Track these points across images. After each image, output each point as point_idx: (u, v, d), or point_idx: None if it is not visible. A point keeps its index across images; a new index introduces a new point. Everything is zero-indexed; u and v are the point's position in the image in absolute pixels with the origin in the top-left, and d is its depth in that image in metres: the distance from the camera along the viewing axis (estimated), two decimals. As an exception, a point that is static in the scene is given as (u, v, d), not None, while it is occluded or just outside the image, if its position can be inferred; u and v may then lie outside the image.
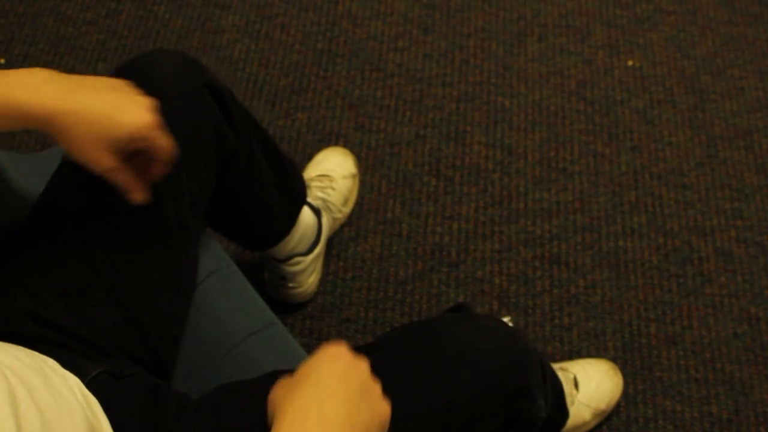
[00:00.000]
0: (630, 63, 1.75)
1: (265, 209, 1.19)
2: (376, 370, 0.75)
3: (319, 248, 1.41)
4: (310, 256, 1.38)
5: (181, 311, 0.97)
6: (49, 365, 0.76)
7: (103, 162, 0.78)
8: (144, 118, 0.77)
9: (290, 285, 1.40)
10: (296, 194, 1.28)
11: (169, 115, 0.86)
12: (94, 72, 1.72)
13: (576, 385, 1.30)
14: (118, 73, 0.93)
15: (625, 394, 1.36)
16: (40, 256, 0.88)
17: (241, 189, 1.09)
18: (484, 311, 1.45)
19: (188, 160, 0.93)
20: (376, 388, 0.72)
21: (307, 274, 1.40)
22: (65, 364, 0.78)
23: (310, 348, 1.40)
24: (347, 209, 1.50)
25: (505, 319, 0.88)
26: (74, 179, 0.90)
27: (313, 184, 1.46)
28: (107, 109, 0.76)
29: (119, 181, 0.81)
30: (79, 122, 0.75)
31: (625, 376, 1.37)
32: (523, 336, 0.97)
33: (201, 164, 0.97)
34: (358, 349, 0.88)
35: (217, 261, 1.05)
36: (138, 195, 0.83)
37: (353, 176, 1.52)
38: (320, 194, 1.44)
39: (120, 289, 0.88)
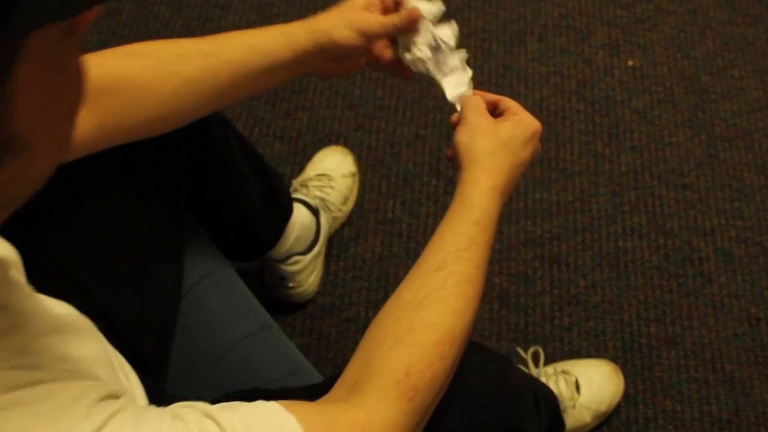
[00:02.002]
0: (630, 63, 1.75)
1: (249, 221, 1.18)
2: None
3: (319, 247, 1.40)
4: (309, 255, 1.38)
5: (165, 314, 0.96)
6: None
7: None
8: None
9: (290, 285, 1.40)
10: (282, 207, 1.28)
11: None
12: (94, 72, 1.71)
13: (577, 388, 1.30)
14: None
15: (625, 395, 1.36)
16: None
17: (223, 201, 1.09)
18: (484, 311, 1.45)
19: (159, 166, 0.93)
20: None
21: (307, 273, 1.40)
22: None
23: (310, 348, 1.41)
24: (347, 208, 1.50)
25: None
26: (50, 188, 0.90)
27: (312, 183, 1.46)
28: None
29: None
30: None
31: (625, 376, 1.37)
32: (513, 369, 0.94)
33: (173, 169, 0.96)
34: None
35: (211, 264, 1.05)
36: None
37: (353, 175, 1.52)
38: (319, 194, 1.44)
39: (93, 293, 0.87)
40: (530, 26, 1.79)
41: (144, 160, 0.90)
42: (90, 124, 0.80)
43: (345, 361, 1.47)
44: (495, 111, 0.89)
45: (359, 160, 1.58)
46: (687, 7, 1.83)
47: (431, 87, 1.72)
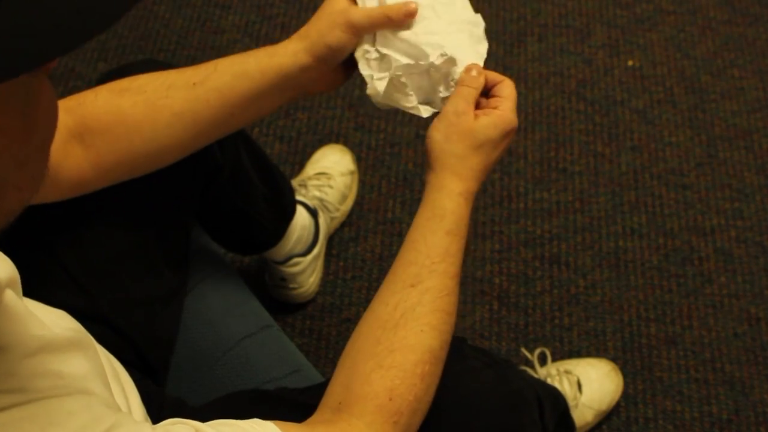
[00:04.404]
0: (630, 63, 1.75)
1: (250, 221, 1.19)
2: None
3: (318, 248, 1.40)
4: (309, 257, 1.38)
5: (169, 317, 0.96)
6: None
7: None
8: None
9: (291, 286, 1.40)
10: (285, 209, 1.28)
11: None
12: (94, 71, 1.72)
13: (579, 387, 1.30)
14: (103, 78, 0.93)
15: (625, 394, 1.36)
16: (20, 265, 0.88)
17: (225, 201, 1.09)
18: (484, 311, 1.45)
19: (170, 175, 0.93)
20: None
21: (307, 274, 1.40)
22: None
23: (310, 348, 1.41)
24: (346, 207, 1.50)
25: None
26: (63, 201, 0.90)
27: (311, 183, 1.46)
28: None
29: None
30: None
31: (625, 376, 1.37)
32: (515, 374, 0.93)
33: (184, 178, 0.96)
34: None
35: (212, 264, 1.05)
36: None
37: (351, 173, 1.53)
38: (317, 194, 1.44)
39: (102, 302, 0.88)
40: (530, 26, 1.79)
41: (156, 171, 0.90)
42: (87, 163, 0.80)
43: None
44: (488, 93, 0.85)
45: (359, 160, 1.58)
46: (687, 7, 1.83)
47: (431, 87, 1.72)
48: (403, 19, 0.82)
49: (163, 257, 0.94)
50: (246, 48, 1.75)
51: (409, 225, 1.63)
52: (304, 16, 1.80)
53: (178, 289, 0.98)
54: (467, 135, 0.79)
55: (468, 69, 0.82)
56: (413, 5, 0.82)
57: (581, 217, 1.55)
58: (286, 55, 0.83)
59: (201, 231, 1.11)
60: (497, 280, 1.48)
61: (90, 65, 1.73)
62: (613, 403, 1.34)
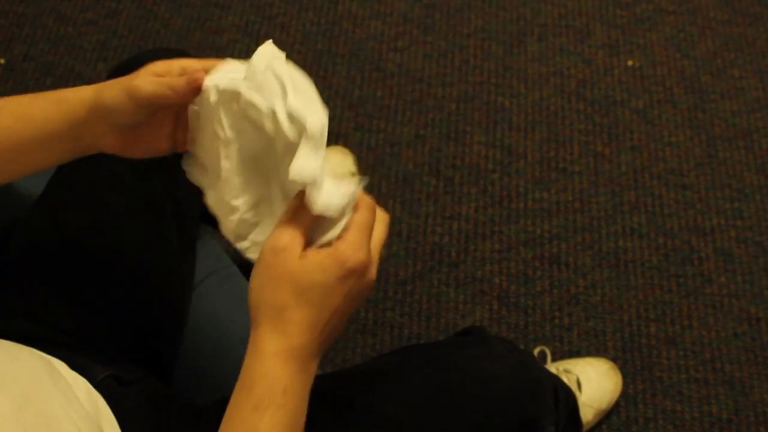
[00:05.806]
0: (630, 63, 1.75)
1: None
2: (378, 397, 0.74)
3: (319, 248, 1.40)
4: (310, 257, 1.38)
5: (178, 312, 0.97)
6: (57, 367, 0.76)
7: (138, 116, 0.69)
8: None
9: (290, 285, 1.39)
10: None
11: None
12: (94, 71, 1.72)
13: (579, 386, 1.30)
14: (114, 72, 0.94)
15: (625, 394, 1.36)
16: (38, 259, 0.88)
17: None
18: (484, 311, 1.45)
19: (179, 163, 0.93)
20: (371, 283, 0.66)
21: (307, 274, 1.40)
22: (73, 366, 0.78)
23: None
24: (347, 209, 1.50)
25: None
26: (70, 181, 0.90)
27: (312, 183, 1.46)
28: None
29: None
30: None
31: (625, 376, 1.37)
32: (535, 363, 0.94)
33: None
34: (361, 373, 0.88)
35: (216, 262, 1.06)
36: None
37: (352, 175, 1.53)
38: None
39: (116, 295, 0.88)
40: (530, 26, 1.79)
41: (170, 164, 0.90)
42: None
43: (345, 361, 1.47)
44: None
45: (359, 160, 1.58)
46: (687, 7, 1.83)
47: (431, 87, 1.72)
48: (188, 91, 0.68)
49: (180, 243, 0.95)
50: (246, 48, 1.75)
51: (409, 225, 1.64)
52: (304, 16, 1.80)
53: (190, 279, 0.99)
54: (286, 279, 0.63)
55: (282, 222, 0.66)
56: (199, 76, 0.69)
57: (581, 217, 1.55)
58: (74, 103, 0.71)
59: (205, 228, 1.11)
60: (497, 280, 1.48)
61: (90, 65, 1.73)
62: (613, 401, 1.34)
